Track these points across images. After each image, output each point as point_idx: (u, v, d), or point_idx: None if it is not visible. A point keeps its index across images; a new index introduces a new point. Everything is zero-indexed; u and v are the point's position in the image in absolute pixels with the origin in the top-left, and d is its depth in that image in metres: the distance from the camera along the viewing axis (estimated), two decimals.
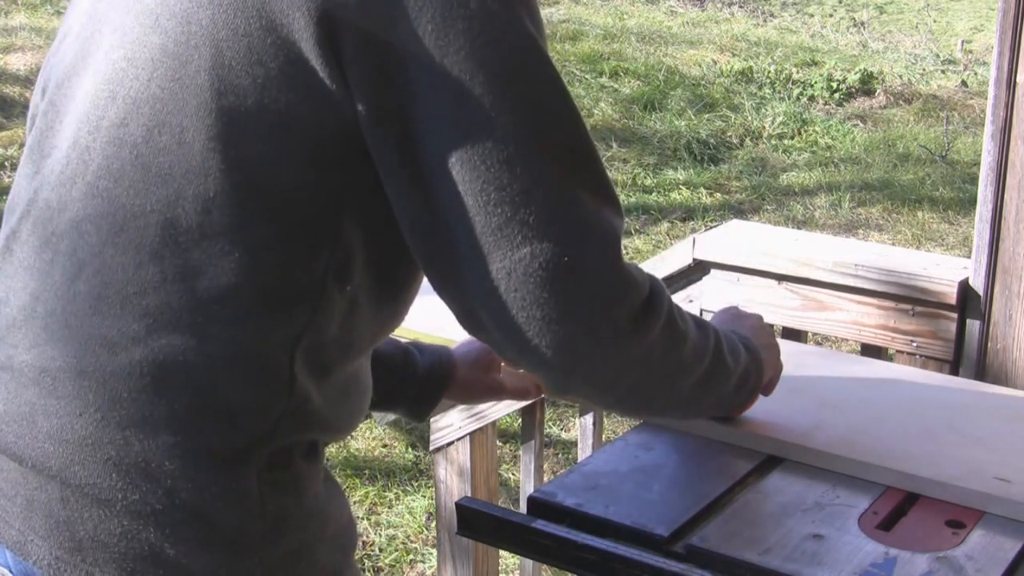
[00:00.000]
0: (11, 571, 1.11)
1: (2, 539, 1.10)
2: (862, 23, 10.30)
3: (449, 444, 2.23)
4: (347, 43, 1.04)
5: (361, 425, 3.36)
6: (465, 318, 1.13)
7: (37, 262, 1.13)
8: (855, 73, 8.17)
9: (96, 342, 1.08)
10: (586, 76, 7.68)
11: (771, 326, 1.51)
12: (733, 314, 1.49)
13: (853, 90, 8.01)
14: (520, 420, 2.37)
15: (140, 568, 1.07)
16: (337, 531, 1.19)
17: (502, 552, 2.59)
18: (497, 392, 1.61)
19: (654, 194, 6.31)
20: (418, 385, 1.51)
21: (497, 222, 1.05)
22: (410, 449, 3.84)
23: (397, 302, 1.20)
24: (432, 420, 2.25)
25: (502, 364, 1.59)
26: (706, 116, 7.34)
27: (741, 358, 1.35)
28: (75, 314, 1.09)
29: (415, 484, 3.65)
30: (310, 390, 1.13)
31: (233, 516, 1.09)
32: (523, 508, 1.47)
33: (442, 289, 1.12)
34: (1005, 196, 1.97)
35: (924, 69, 8.64)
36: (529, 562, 2.34)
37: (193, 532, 1.08)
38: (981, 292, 2.02)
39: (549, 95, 1.08)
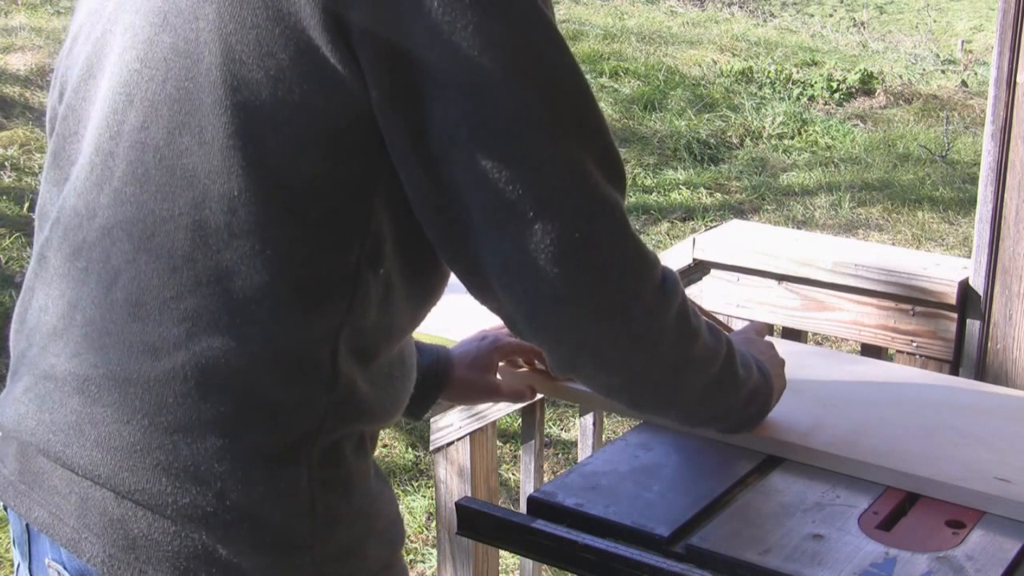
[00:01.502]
0: (65, 568, 1.12)
1: (57, 537, 1.11)
2: (862, 23, 10.30)
3: (449, 444, 2.22)
4: (355, 26, 1.03)
5: None
6: (478, 290, 1.12)
7: (71, 270, 1.12)
8: (855, 73, 8.18)
9: (138, 349, 1.08)
10: (586, 76, 7.67)
11: (772, 342, 1.50)
12: (745, 336, 1.49)
13: (853, 90, 8.02)
14: (520, 420, 2.36)
15: (193, 567, 1.08)
16: (386, 526, 1.20)
17: (502, 552, 2.59)
18: (493, 394, 1.61)
19: (654, 194, 6.31)
20: (416, 383, 1.51)
21: (508, 198, 1.04)
22: (410, 449, 3.84)
23: (430, 278, 1.20)
24: (432, 420, 2.25)
25: (498, 366, 1.59)
26: (706, 116, 7.34)
27: (753, 375, 1.34)
28: (114, 322, 1.09)
29: (415, 484, 3.65)
30: (355, 379, 1.12)
31: (283, 516, 1.09)
32: (523, 508, 1.47)
33: (455, 264, 1.11)
34: (1005, 196, 1.97)
35: (924, 69, 8.64)
36: (529, 562, 2.33)
37: (244, 533, 1.08)
38: (981, 292, 2.02)
39: (559, 69, 1.08)
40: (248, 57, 1.04)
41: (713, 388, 1.27)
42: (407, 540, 3.35)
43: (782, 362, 1.47)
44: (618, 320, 1.11)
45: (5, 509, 1.19)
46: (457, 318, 1.72)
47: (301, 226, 1.07)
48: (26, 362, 1.17)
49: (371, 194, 1.09)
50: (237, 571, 1.08)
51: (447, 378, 1.53)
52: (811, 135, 7.32)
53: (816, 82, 7.99)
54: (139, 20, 1.12)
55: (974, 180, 6.03)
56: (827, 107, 7.80)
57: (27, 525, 1.15)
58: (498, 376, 1.60)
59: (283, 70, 1.04)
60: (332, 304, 1.09)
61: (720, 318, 2.36)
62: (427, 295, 1.21)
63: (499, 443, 3.40)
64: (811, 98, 7.86)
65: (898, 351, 2.14)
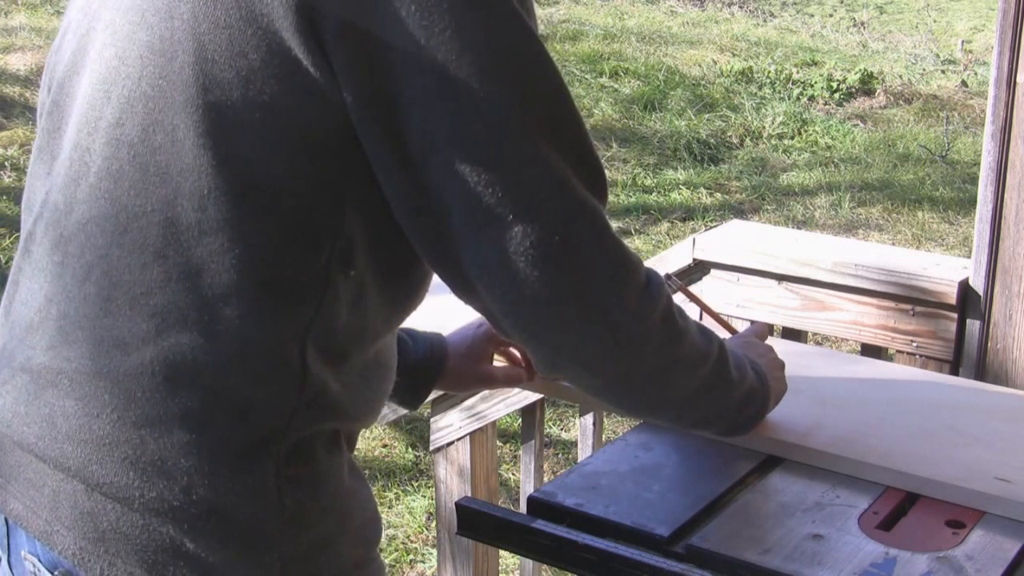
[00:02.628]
0: (40, 560, 1.12)
1: (31, 529, 1.12)
2: (862, 23, 10.30)
3: (449, 444, 2.23)
4: (328, 30, 1.03)
5: None
6: (461, 291, 1.13)
7: (49, 264, 1.14)
8: (855, 73, 8.17)
9: (108, 343, 1.09)
10: (586, 76, 7.68)
11: (775, 352, 1.49)
12: (744, 340, 1.49)
13: (853, 90, 8.01)
14: (520, 420, 2.37)
15: (161, 559, 1.09)
16: (361, 524, 1.20)
17: (502, 552, 2.59)
18: (488, 382, 1.60)
19: (654, 194, 6.31)
20: (410, 374, 1.50)
21: (488, 201, 1.05)
22: (410, 449, 3.84)
23: (406, 282, 1.19)
24: (432, 420, 2.25)
25: (493, 355, 1.58)
26: (706, 116, 7.34)
27: (748, 377, 1.34)
28: (87, 316, 1.10)
29: (415, 484, 3.65)
30: (326, 380, 1.13)
31: (250, 511, 1.10)
32: (523, 508, 1.47)
33: (437, 266, 1.12)
34: (1005, 196, 1.97)
35: (924, 69, 8.64)
36: (529, 562, 2.34)
37: (211, 527, 1.09)
38: (981, 292, 2.02)
39: (537, 73, 1.08)
40: (220, 57, 1.05)
41: (704, 390, 1.27)
42: (407, 540, 3.35)
43: (782, 365, 1.47)
44: (600, 322, 1.11)
45: None
46: (449, 317, 1.71)
47: (271, 225, 1.07)
48: (6, 354, 1.18)
49: (343, 196, 1.09)
50: (204, 565, 1.09)
51: (442, 367, 1.52)
52: (811, 135, 7.32)
53: (816, 82, 7.99)
54: (119, 17, 1.13)
55: (974, 180, 6.02)
56: (827, 107, 7.80)
57: (5, 518, 1.16)
58: (495, 362, 1.59)
59: (254, 71, 1.04)
60: (301, 304, 1.10)
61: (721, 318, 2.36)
62: (403, 299, 1.21)
63: (499, 443, 3.40)
64: (811, 98, 7.86)
65: (898, 351, 2.14)
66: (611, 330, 1.13)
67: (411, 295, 1.21)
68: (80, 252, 1.11)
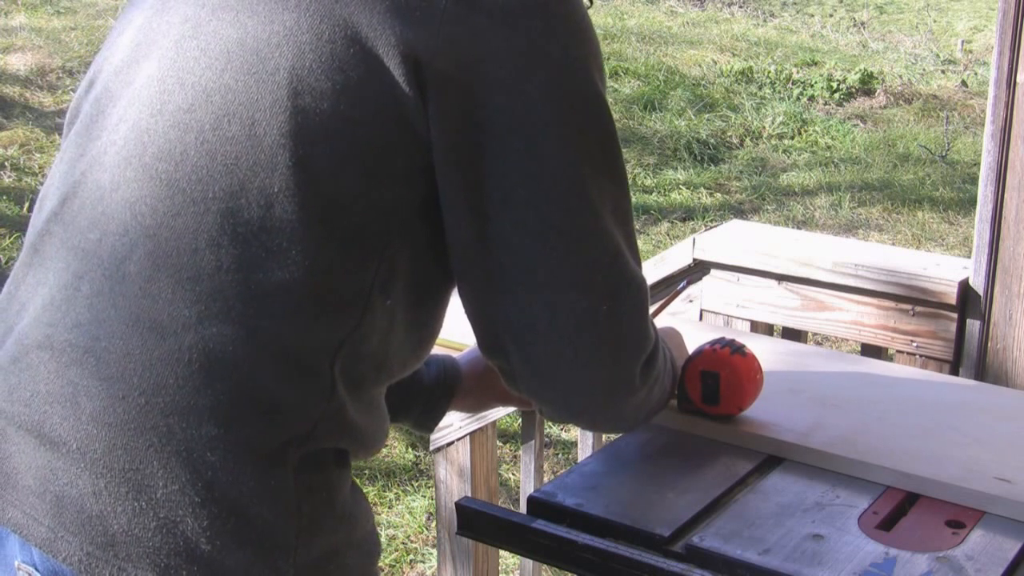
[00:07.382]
0: (37, 569, 1.10)
1: (30, 537, 1.09)
2: (862, 23, 10.30)
3: (449, 444, 2.23)
4: (431, 75, 1.08)
5: None
6: (489, 343, 1.18)
7: (83, 242, 1.12)
8: (855, 73, 8.18)
9: (144, 325, 1.07)
10: None
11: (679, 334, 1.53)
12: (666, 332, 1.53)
13: (853, 90, 8.02)
14: (520, 420, 2.37)
15: (174, 563, 1.06)
16: (363, 536, 1.20)
17: (502, 552, 2.59)
18: (503, 401, 1.62)
19: (654, 194, 6.31)
20: (425, 397, 1.51)
21: (549, 265, 1.12)
22: (410, 449, 3.84)
23: (427, 328, 1.23)
24: None
25: None
26: (706, 116, 7.34)
27: (670, 379, 1.41)
28: (123, 295, 1.08)
29: (415, 484, 3.65)
30: (346, 399, 1.13)
31: (269, 513, 1.09)
32: (523, 508, 1.47)
33: (477, 315, 1.17)
34: (1005, 196, 1.97)
35: (924, 69, 8.64)
36: (529, 562, 2.34)
37: (229, 527, 1.07)
38: (981, 292, 2.02)
39: (611, 155, 1.16)
40: (318, 67, 1.08)
41: (657, 407, 1.39)
42: (407, 540, 3.35)
43: (685, 354, 1.50)
44: (618, 391, 1.22)
45: None
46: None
47: (329, 235, 1.09)
48: (13, 336, 1.15)
49: (393, 223, 1.12)
50: (219, 568, 1.07)
51: (456, 389, 1.54)
52: (811, 135, 7.32)
53: (816, 82, 7.99)
54: (205, 13, 1.15)
55: (974, 180, 6.03)
56: (827, 107, 7.80)
57: None
58: None
59: (349, 87, 1.08)
60: (341, 319, 1.11)
61: (720, 318, 2.36)
62: (418, 346, 1.23)
63: (499, 443, 3.40)
64: (811, 98, 7.86)
65: (898, 351, 2.15)
66: (625, 397, 1.24)
67: (425, 344, 1.25)
68: (123, 230, 1.10)
